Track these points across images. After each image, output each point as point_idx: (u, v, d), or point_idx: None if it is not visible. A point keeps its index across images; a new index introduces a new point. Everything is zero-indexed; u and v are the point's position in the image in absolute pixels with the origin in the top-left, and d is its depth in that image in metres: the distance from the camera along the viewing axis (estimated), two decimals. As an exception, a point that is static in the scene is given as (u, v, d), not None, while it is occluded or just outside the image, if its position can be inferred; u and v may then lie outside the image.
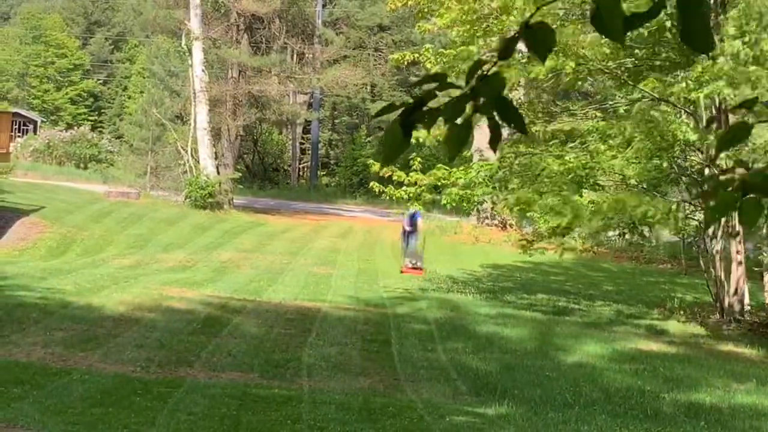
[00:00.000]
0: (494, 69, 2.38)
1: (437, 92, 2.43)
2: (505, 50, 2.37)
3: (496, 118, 2.42)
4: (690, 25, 2.30)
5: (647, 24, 14.99)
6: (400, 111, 2.44)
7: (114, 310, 14.31)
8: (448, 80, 2.41)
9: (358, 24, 58.73)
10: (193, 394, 9.24)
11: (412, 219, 23.17)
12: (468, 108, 2.40)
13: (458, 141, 2.46)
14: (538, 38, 2.35)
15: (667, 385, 11.78)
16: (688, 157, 17.03)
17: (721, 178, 2.56)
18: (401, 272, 23.04)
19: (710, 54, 14.44)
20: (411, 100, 2.44)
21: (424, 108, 2.43)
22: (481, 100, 2.38)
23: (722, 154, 15.41)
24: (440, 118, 2.43)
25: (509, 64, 17.57)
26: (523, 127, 2.49)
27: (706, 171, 17.15)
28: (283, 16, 41.16)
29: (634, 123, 15.31)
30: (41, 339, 11.81)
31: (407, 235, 23.63)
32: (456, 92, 2.40)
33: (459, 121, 2.41)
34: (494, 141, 2.51)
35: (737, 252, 16.95)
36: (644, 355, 13.98)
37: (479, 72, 2.37)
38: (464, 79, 2.42)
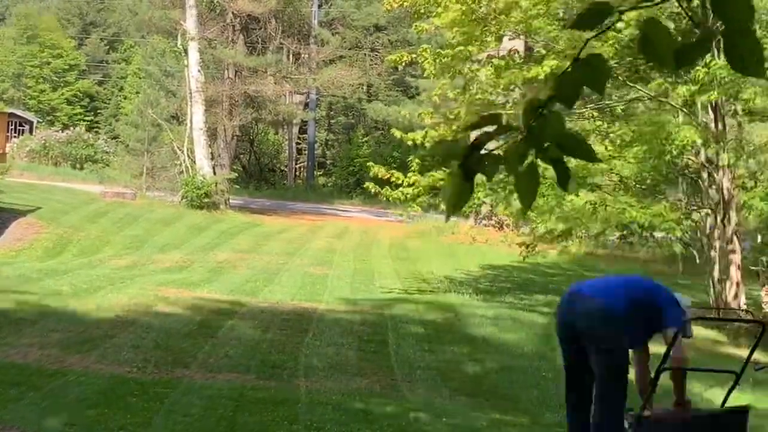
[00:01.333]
0: (552, 109, 2.23)
1: (495, 136, 2.28)
2: (565, 89, 2.21)
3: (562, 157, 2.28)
4: (738, 48, 2.17)
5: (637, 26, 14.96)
6: (456, 148, 2.30)
7: (110, 310, 14.28)
8: (498, 115, 2.28)
9: (354, 24, 58.70)
10: (190, 395, 9.21)
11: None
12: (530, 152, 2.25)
13: (529, 191, 2.30)
14: (594, 71, 2.22)
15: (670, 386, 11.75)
16: (684, 157, 17.03)
17: None
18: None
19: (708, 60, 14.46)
20: (466, 142, 2.30)
21: (483, 152, 2.29)
22: (544, 144, 2.24)
23: (723, 155, 15.45)
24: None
25: (508, 65, 17.60)
26: (593, 156, 2.34)
27: (704, 173, 17.18)
28: (279, 17, 41.17)
29: (639, 125, 15.32)
30: (37, 340, 11.77)
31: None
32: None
33: (522, 168, 2.27)
34: (563, 181, 2.32)
35: (734, 252, 16.96)
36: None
37: (536, 112, 2.22)
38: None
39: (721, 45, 2.19)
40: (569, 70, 2.21)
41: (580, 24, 2.24)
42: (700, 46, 2.24)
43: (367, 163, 20.58)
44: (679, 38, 2.26)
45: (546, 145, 2.23)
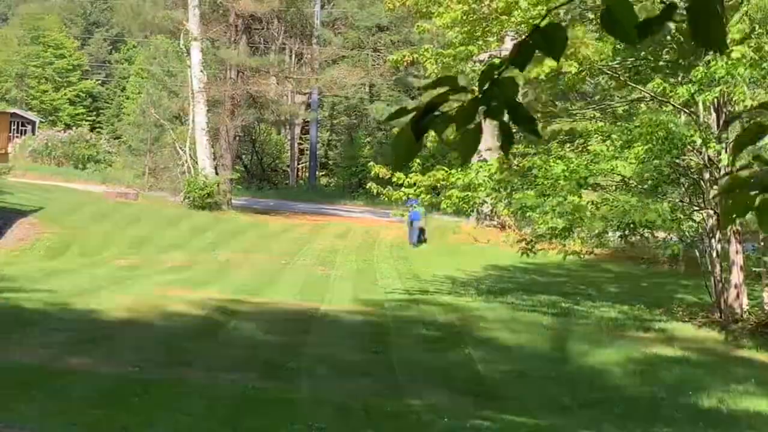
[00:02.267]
0: (507, 73, 2.35)
1: (449, 96, 2.40)
2: (521, 56, 2.34)
3: (508, 121, 2.40)
4: (701, 22, 2.26)
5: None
6: (411, 115, 2.40)
7: (113, 311, 14.30)
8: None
9: (357, 24, 58.70)
10: (192, 395, 9.23)
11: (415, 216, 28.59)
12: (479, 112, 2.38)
13: (471, 146, 2.43)
14: (551, 39, 2.32)
15: (671, 388, 11.78)
16: (685, 157, 17.03)
17: (741, 174, 2.51)
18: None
19: (716, 53, 14.47)
20: (422, 104, 2.41)
21: (436, 113, 2.40)
22: (493, 103, 2.36)
23: (724, 155, 15.46)
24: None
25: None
26: (535, 130, 2.46)
27: (706, 174, 17.16)
28: (282, 17, 41.17)
29: (641, 125, 15.31)
30: (40, 340, 11.80)
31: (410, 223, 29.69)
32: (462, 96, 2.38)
33: (471, 126, 2.39)
34: (506, 144, 2.48)
35: (737, 252, 16.95)
36: (649, 357, 13.97)
37: (492, 76, 2.34)
38: (467, 81, 2.40)
39: (687, 25, 2.24)
40: (528, 38, 2.30)
41: None
42: (662, 18, 2.31)
43: (369, 163, 20.58)
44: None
45: (494, 104, 2.35)
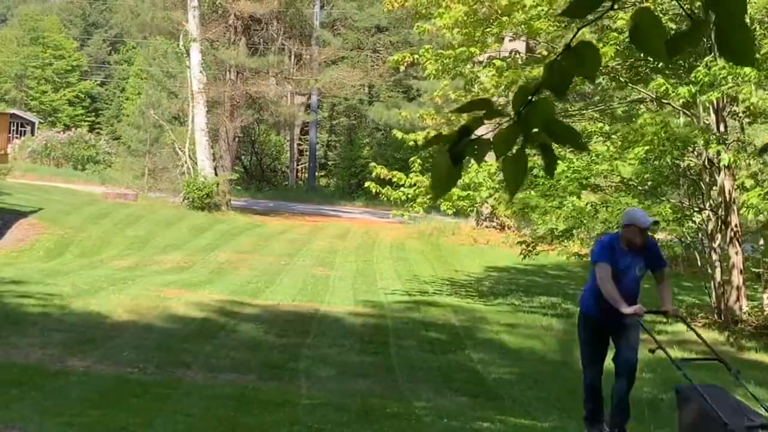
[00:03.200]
0: (541, 96, 2.25)
1: (485, 121, 2.31)
2: (553, 77, 2.23)
3: (550, 144, 2.31)
4: (730, 37, 2.17)
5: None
6: (448, 141, 2.31)
7: (112, 311, 14.30)
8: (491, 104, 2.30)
9: (356, 25, 58.71)
10: (191, 396, 9.22)
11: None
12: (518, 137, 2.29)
13: (516, 174, 2.32)
14: (582, 59, 2.22)
15: (671, 389, 11.77)
16: (685, 158, 17.03)
17: None
18: None
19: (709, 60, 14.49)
20: (456, 129, 2.32)
21: (472, 137, 2.31)
22: (533, 130, 2.26)
23: (725, 156, 15.44)
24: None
25: (509, 65, 17.62)
26: (582, 145, 2.39)
27: (705, 175, 17.17)
28: (281, 18, 41.16)
29: (641, 125, 15.30)
30: (39, 340, 11.79)
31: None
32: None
33: (511, 154, 2.30)
34: (550, 168, 2.36)
35: (736, 254, 16.94)
36: (649, 359, 13.94)
37: (526, 98, 2.25)
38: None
39: (714, 40, 2.19)
40: (559, 58, 2.22)
41: (572, 11, 2.26)
42: (691, 36, 2.24)
43: (370, 164, 20.55)
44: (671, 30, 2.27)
45: (534, 131, 2.26)
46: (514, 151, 2.29)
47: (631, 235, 8.03)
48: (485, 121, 2.32)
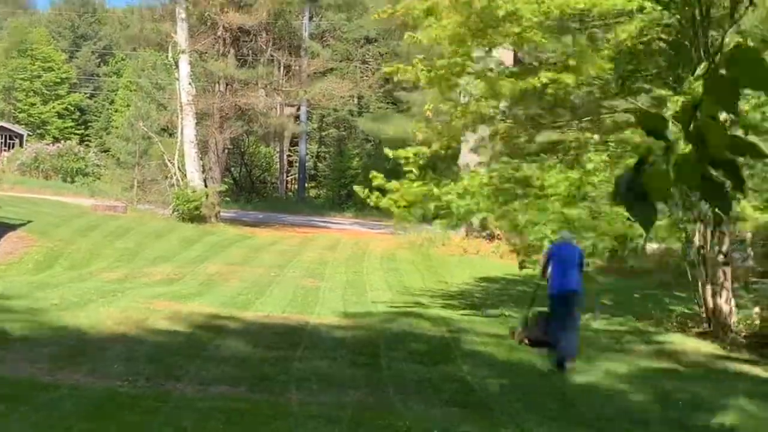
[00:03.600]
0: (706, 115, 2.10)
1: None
2: (722, 90, 2.05)
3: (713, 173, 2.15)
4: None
5: (636, 37, 14.84)
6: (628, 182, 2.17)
7: (101, 324, 14.24)
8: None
9: (345, 36, 58.84)
10: (181, 409, 9.19)
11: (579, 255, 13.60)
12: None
13: (724, 200, 2.18)
14: (751, 71, 2.06)
15: (661, 400, 11.77)
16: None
17: None
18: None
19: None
20: (629, 168, 2.17)
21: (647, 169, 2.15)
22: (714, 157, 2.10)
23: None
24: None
25: (502, 77, 17.61)
26: (764, 153, 2.19)
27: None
28: (270, 29, 41.23)
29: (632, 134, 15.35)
30: (28, 354, 11.73)
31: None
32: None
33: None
34: (739, 186, 2.18)
35: (727, 263, 16.97)
36: (639, 369, 13.96)
37: (693, 117, 2.08)
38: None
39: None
40: (718, 66, 2.06)
41: None
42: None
43: (368, 173, 20.36)
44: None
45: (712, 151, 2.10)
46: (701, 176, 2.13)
47: None
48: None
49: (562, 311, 13.20)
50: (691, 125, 2.08)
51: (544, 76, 15.88)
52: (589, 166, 16.30)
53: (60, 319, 14.43)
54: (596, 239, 16.54)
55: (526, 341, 13.96)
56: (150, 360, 11.88)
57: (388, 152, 18.98)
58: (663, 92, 15.63)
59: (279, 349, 13.40)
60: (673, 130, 2.13)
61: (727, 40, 14.87)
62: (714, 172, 2.14)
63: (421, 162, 17.32)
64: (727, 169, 2.15)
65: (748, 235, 18.43)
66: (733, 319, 17.00)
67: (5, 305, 15.54)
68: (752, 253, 19.25)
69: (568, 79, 15.79)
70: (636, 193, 2.14)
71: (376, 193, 18.39)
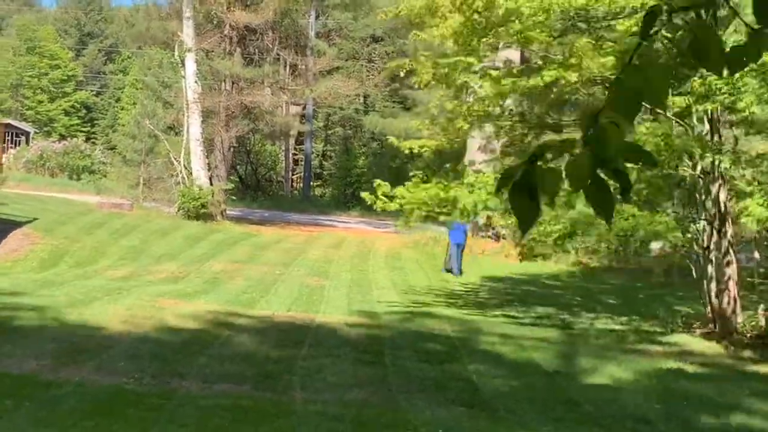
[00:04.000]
0: (609, 119, 2.15)
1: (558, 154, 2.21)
2: (626, 104, 2.15)
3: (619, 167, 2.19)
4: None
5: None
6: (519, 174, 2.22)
7: (106, 321, 14.26)
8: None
9: (351, 35, 58.83)
10: (186, 406, 9.19)
11: (463, 232, 26.54)
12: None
13: (607, 204, 2.22)
14: (652, 80, 2.15)
15: (666, 401, 11.75)
16: (680, 168, 17.03)
17: None
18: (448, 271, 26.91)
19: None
20: (522, 163, 2.24)
21: (540, 165, 2.21)
22: (607, 154, 2.16)
23: (725, 159, 15.45)
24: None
25: (504, 75, 17.63)
26: (654, 160, 2.33)
27: (699, 184, 17.18)
28: (276, 28, 41.21)
29: (640, 134, 15.32)
30: (33, 351, 11.75)
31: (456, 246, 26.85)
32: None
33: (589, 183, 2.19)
34: (626, 194, 2.23)
35: (731, 263, 16.94)
36: (645, 369, 13.95)
37: (593, 123, 2.16)
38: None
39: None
40: (622, 76, 2.15)
41: None
42: (752, 49, 2.21)
43: (372, 177, 20.41)
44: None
45: (608, 156, 2.16)
46: (592, 180, 2.19)
47: None
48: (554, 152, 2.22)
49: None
50: (590, 130, 2.15)
51: (547, 75, 15.87)
52: None
53: (65, 317, 14.45)
54: (597, 238, 16.53)
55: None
56: (155, 357, 11.89)
57: (394, 141, 18.99)
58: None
59: (283, 347, 13.41)
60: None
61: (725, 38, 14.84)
62: (604, 176, 2.19)
63: (426, 153, 17.27)
64: (617, 175, 2.19)
65: (755, 236, 18.38)
66: (739, 319, 16.97)
67: (11, 302, 15.56)
68: (758, 254, 19.20)
69: (571, 77, 15.77)
70: (526, 188, 2.20)
71: (382, 199, 18.37)
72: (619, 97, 2.15)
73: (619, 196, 2.25)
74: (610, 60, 15.56)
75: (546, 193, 2.20)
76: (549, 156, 2.23)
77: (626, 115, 2.15)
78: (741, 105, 15.06)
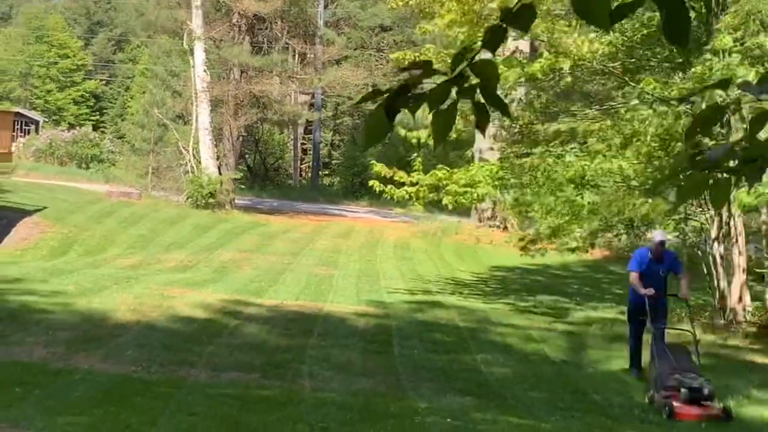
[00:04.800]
0: (482, 56, 2.41)
1: (423, 79, 2.44)
2: (493, 37, 2.39)
3: (481, 100, 2.44)
4: (670, 18, 2.30)
5: (646, 23, 14.86)
6: (384, 96, 2.43)
7: (115, 310, 14.31)
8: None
9: (360, 24, 58.75)
10: (195, 395, 9.24)
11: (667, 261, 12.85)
12: (453, 94, 2.42)
13: (444, 127, 2.48)
14: (520, 17, 2.39)
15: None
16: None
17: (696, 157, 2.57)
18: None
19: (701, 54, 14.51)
20: (395, 86, 2.45)
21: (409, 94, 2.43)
22: (464, 85, 2.39)
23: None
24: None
25: (512, 64, 17.63)
26: (506, 109, 2.53)
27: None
28: (285, 17, 41.17)
29: (640, 122, 15.29)
30: (43, 339, 11.81)
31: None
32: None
33: (443, 106, 2.43)
34: (483, 123, 2.51)
35: (739, 254, 16.92)
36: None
37: (467, 59, 2.38)
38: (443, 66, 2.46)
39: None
40: (498, 20, 2.39)
41: None
42: (633, 4, 2.38)
43: (371, 162, 20.57)
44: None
45: (466, 85, 2.40)
46: (446, 105, 2.43)
47: (653, 247, 12.34)
48: (424, 80, 2.44)
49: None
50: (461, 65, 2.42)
51: (542, 62, 15.91)
52: (597, 146, 16.28)
53: (74, 305, 14.50)
54: (604, 225, 16.54)
55: None
56: (163, 346, 11.94)
57: (401, 131, 19.05)
58: (665, 80, 15.57)
59: (292, 336, 13.45)
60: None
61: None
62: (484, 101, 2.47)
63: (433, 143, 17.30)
64: (492, 99, 2.47)
65: (763, 227, 18.35)
66: (746, 309, 16.96)
67: (21, 290, 15.62)
68: (766, 244, 19.17)
69: (565, 63, 15.80)
70: (392, 110, 2.47)
71: (390, 186, 18.46)
72: (492, 34, 2.44)
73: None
74: (603, 47, 15.57)
75: (410, 111, 2.49)
76: (417, 84, 2.49)
77: (491, 49, 2.42)
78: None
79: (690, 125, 2.84)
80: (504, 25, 2.37)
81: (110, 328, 12.95)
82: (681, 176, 2.60)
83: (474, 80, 2.39)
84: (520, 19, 2.36)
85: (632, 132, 15.29)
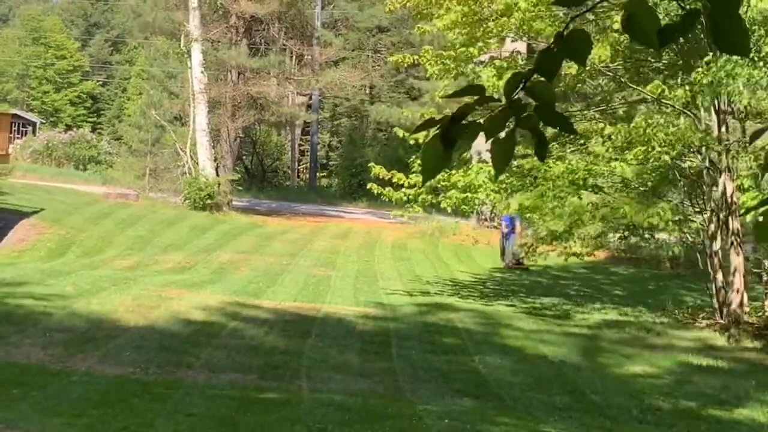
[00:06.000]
0: (539, 80, 2.34)
1: (477, 106, 2.37)
2: (546, 63, 2.30)
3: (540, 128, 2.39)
4: (723, 27, 2.22)
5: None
6: (439, 126, 2.36)
7: (113, 311, 14.29)
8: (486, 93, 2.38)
9: (357, 26, 58.74)
10: (192, 396, 9.21)
11: (511, 221, 26.19)
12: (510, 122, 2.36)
13: (504, 156, 2.40)
14: (575, 46, 2.30)
15: (671, 392, 11.75)
16: (686, 159, 17.01)
17: None
18: (507, 267, 26.66)
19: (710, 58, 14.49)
20: (449, 114, 2.38)
21: (464, 122, 2.36)
22: (522, 114, 2.33)
23: (725, 160, 15.42)
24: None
25: (510, 66, 17.63)
26: (570, 127, 2.47)
27: (705, 175, 17.15)
28: (282, 18, 41.17)
29: (636, 126, 15.29)
30: (40, 340, 11.78)
31: (506, 236, 26.92)
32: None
33: (502, 135, 2.37)
34: (542, 151, 2.46)
35: (738, 254, 16.91)
36: (653, 360, 13.95)
37: (520, 84, 2.32)
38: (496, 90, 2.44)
39: (709, 32, 2.21)
40: (552, 45, 2.29)
41: (563, 0, 2.33)
42: (683, 25, 2.29)
43: (369, 164, 20.57)
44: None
45: (525, 114, 2.33)
46: (504, 133, 2.37)
47: None
48: (477, 107, 2.37)
49: None
50: (515, 91, 2.34)
51: None
52: (599, 149, 16.27)
53: (72, 307, 14.47)
54: (603, 228, 16.53)
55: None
56: (161, 347, 11.92)
57: (399, 131, 19.04)
58: (668, 83, 15.57)
59: (290, 337, 13.43)
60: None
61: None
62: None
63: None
64: (534, 133, 2.40)
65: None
66: (745, 310, 16.95)
67: (18, 292, 15.59)
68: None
69: (571, 69, 15.77)
70: (449, 141, 2.36)
71: (388, 188, 18.46)
72: (544, 60, 2.32)
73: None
74: (606, 52, 15.54)
75: (466, 141, 2.37)
76: (471, 112, 2.39)
77: (547, 76, 2.32)
78: (734, 97, 15.00)
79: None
80: (555, 48, 2.29)
81: (108, 330, 12.92)
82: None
83: (528, 104, 2.34)
84: (576, 46, 2.30)
85: (643, 136, 15.26)
